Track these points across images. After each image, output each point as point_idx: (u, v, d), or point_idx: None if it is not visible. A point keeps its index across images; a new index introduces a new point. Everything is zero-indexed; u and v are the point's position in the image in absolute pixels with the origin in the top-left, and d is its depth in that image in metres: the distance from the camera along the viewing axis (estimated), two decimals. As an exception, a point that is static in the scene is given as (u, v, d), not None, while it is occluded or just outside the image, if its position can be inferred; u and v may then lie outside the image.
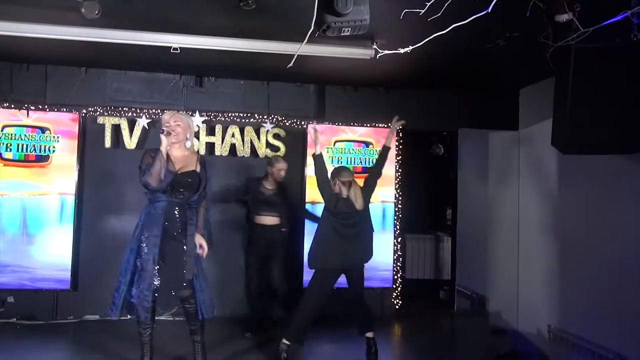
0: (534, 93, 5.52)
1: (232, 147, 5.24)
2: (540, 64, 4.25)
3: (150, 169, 3.23)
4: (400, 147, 5.56)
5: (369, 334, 4.10)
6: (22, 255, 4.81)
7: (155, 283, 3.26)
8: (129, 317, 4.72)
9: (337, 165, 4.85)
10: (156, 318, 3.52)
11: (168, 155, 3.32)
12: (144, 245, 3.27)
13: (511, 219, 5.79)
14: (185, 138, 3.43)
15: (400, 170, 5.54)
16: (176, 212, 3.33)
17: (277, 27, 3.59)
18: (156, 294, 3.31)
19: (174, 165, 3.36)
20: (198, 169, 3.42)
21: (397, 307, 5.48)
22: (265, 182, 4.74)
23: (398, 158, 5.55)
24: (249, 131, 5.27)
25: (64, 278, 4.87)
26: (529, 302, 5.49)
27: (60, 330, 4.68)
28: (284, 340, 3.90)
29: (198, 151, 3.86)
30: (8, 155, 4.86)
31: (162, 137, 3.27)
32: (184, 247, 3.32)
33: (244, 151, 5.24)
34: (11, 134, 4.86)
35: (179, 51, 3.67)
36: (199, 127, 5.12)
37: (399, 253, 5.52)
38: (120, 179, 5.08)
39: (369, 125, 5.52)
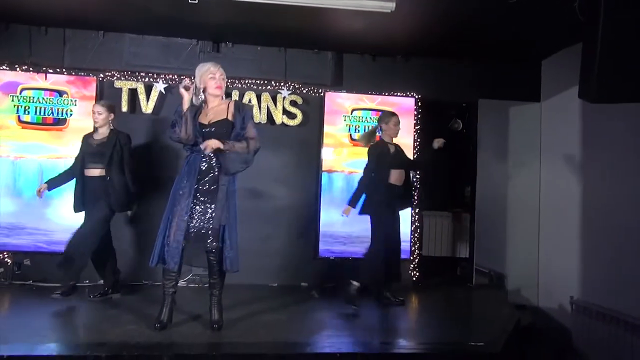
0: (556, 64, 5.41)
1: (249, 113, 5.19)
2: (563, 29, 4.16)
3: (176, 125, 3.25)
4: (419, 116, 5.46)
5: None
6: (38, 218, 4.82)
7: (185, 233, 3.24)
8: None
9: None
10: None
11: (199, 108, 3.33)
12: (179, 196, 3.27)
13: (532, 194, 5.68)
14: (222, 94, 3.40)
15: (418, 140, 5.44)
16: (209, 164, 3.31)
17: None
18: (184, 244, 3.28)
19: (205, 117, 3.34)
20: (230, 117, 3.33)
21: (414, 279, 5.38)
22: (94, 132, 4.28)
23: (417, 127, 5.45)
24: (266, 98, 5.21)
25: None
26: (550, 277, 5.37)
27: (75, 292, 4.66)
28: (353, 282, 4.18)
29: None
30: (26, 117, 4.88)
31: (182, 91, 3.23)
32: (216, 196, 3.30)
33: (260, 118, 5.19)
34: (29, 97, 4.88)
35: (196, 1, 3.63)
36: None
37: (416, 224, 5.43)
38: (137, 143, 5.05)
39: (387, 94, 5.44)
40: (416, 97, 5.47)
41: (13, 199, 4.81)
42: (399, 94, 5.45)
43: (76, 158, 4.22)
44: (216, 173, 3.32)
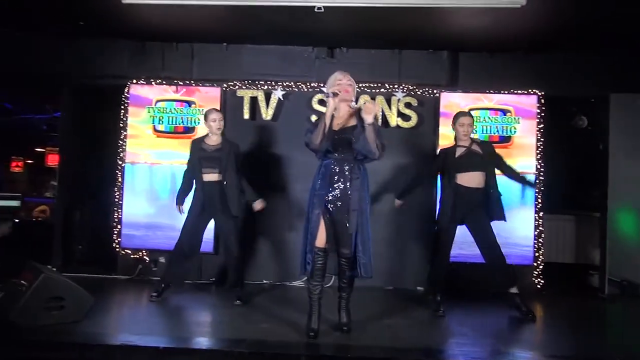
0: None
1: (363, 117, 5.23)
2: None
3: (314, 130, 3.33)
4: (542, 114, 5.16)
5: (513, 290, 4.14)
6: (173, 219, 5.17)
7: (323, 239, 3.33)
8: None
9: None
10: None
11: (333, 116, 3.36)
12: (314, 203, 3.37)
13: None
14: (352, 99, 3.46)
15: (542, 140, 5.14)
16: (341, 169, 3.36)
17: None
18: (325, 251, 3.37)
19: (336, 124, 3.39)
20: (357, 123, 3.38)
21: (538, 286, 5.09)
22: (206, 138, 4.42)
23: (540, 127, 5.15)
24: (380, 100, 5.21)
25: (208, 240, 5.16)
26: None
27: (204, 289, 5.01)
28: (511, 290, 4.13)
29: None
30: (160, 127, 5.32)
31: (330, 99, 3.30)
32: (349, 202, 3.34)
33: (374, 121, 5.20)
34: (163, 108, 5.32)
35: (322, 10, 3.73)
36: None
37: (540, 229, 5.13)
38: (258, 148, 5.32)
39: (506, 92, 5.20)
40: (539, 94, 5.17)
41: (150, 201, 5.26)
42: (519, 91, 5.19)
43: (191, 163, 4.41)
44: (348, 178, 3.36)
